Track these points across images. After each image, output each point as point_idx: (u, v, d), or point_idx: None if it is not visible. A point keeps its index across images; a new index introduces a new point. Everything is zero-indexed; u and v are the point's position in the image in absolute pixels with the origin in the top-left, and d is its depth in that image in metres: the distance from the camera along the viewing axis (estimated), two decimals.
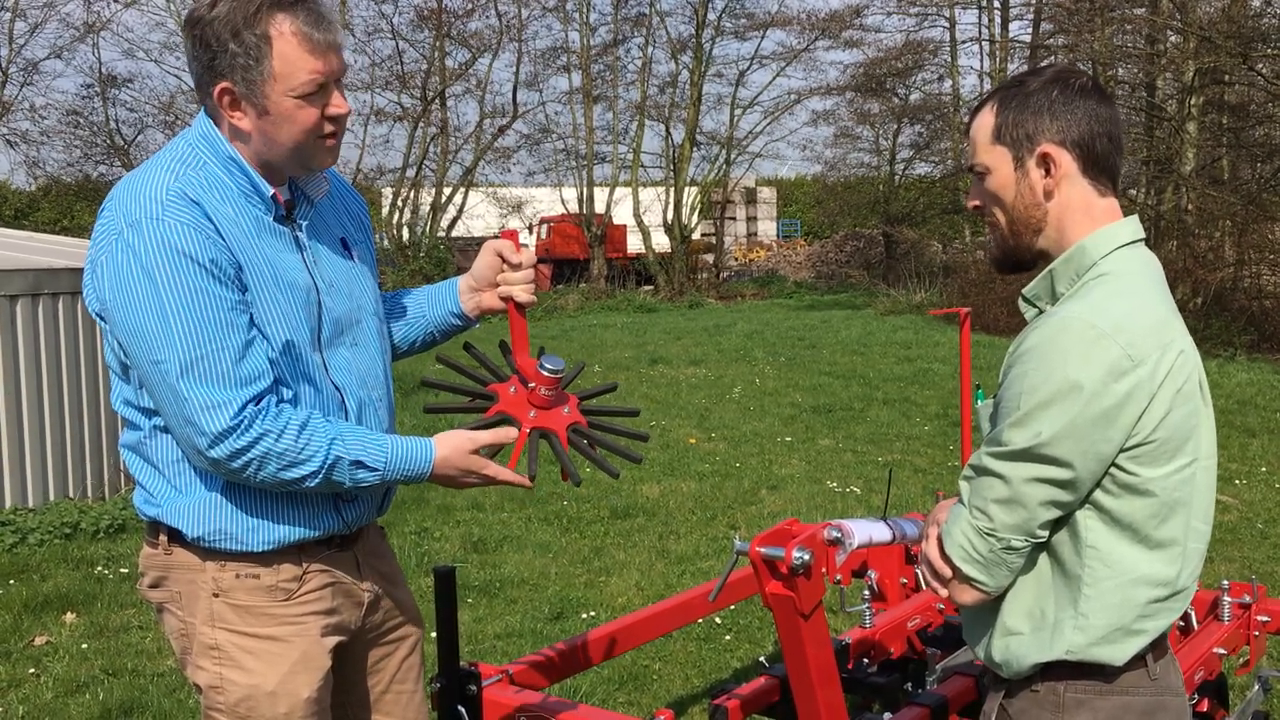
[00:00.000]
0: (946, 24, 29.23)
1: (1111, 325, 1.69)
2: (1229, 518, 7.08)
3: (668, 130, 30.77)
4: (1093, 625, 1.77)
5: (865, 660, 3.25)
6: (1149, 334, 1.71)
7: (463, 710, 2.65)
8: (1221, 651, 3.40)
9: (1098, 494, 1.74)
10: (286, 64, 1.99)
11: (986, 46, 28.58)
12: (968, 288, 21.30)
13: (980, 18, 30.12)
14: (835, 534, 2.33)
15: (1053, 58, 24.87)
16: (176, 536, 2.12)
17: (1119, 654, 1.78)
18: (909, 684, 3.27)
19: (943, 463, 8.74)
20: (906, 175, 33.73)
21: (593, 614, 5.49)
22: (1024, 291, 1.89)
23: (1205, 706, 3.34)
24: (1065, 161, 1.82)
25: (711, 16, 29.81)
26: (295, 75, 2.00)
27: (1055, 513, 1.75)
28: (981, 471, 1.77)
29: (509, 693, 2.73)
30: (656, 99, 30.97)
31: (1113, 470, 1.72)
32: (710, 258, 33.04)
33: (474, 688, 2.68)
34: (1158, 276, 1.85)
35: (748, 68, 31.42)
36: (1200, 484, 1.81)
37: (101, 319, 2.04)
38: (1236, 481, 8.12)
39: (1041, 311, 1.89)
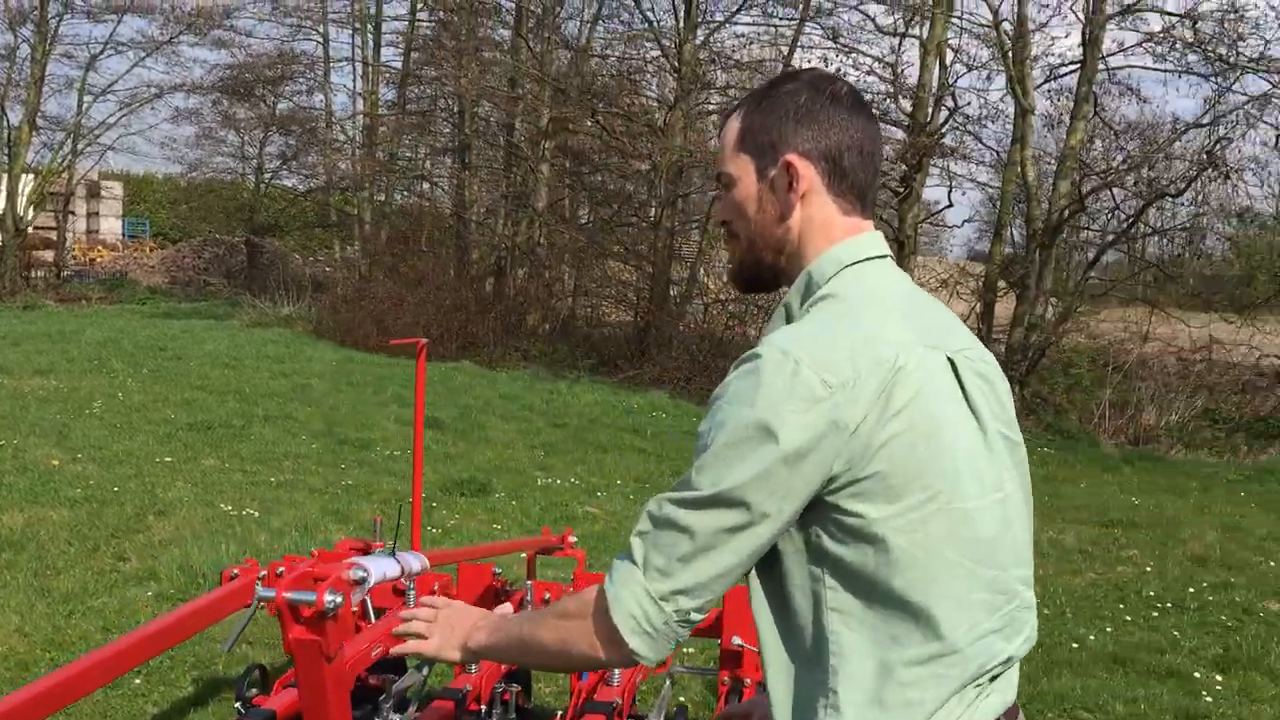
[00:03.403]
0: (320, 39, 29.22)
1: (807, 351, 1.48)
2: (598, 527, 7.91)
3: (3, 110, 27.31)
4: (844, 703, 1.51)
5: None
6: (853, 353, 1.48)
7: None
8: None
9: (828, 544, 1.51)
10: None
11: (360, 68, 28.99)
12: (339, 304, 21.45)
13: (354, 39, 30.44)
14: (361, 573, 2.32)
15: (422, 88, 25.93)
16: None
17: None
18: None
19: (336, 481, 8.75)
20: (274, 185, 33.09)
21: None
22: (766, 331, 1.67)
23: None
24: (810, 175, 1.63)
25: None
26: None
27: (747, 566, 1.53)
28: (663, 524, 1.52)
29: None
30: None
31: (834, 515, 1.50)
32: (50, 255, 29.85)
33: None
34: (894, 291, 1.63)
35: (100, 52, 28.77)
36: (968, 521, 1.52)
37: None
38: (599, 494, 9.10)
39: None
